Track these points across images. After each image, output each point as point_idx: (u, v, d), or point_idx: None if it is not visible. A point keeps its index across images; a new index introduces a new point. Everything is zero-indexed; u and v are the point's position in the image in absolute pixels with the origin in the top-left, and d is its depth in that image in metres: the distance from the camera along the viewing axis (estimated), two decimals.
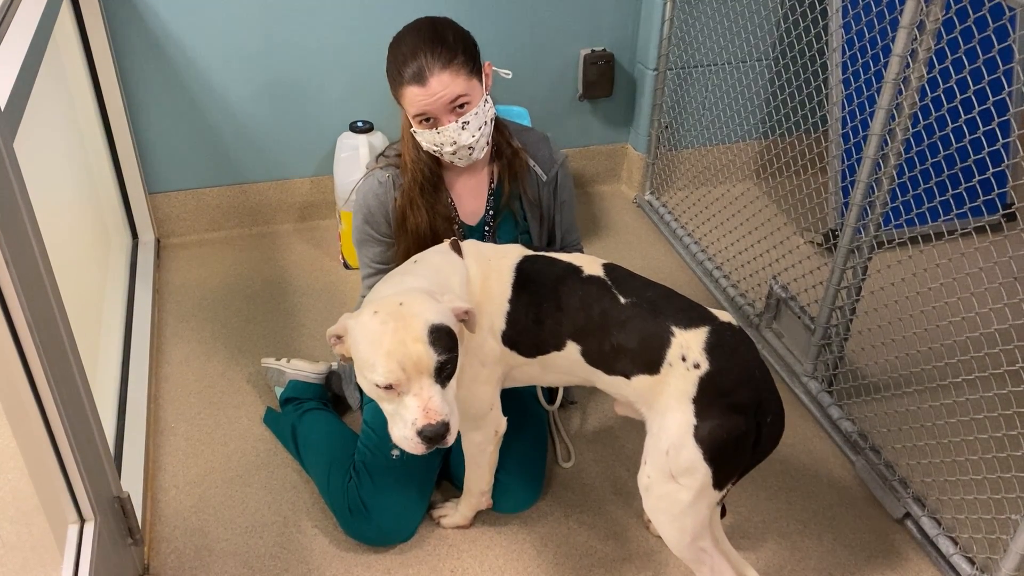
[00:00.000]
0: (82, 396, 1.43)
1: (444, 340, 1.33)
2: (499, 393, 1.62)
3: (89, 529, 1.45)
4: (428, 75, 1.62)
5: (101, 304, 2.27)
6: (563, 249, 1.95)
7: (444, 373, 1.34)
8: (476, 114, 1.68)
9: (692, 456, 1.38)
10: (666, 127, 2.95)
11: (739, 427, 1.38)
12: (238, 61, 2.55)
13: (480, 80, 1.69)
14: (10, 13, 1.61)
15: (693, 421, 1.38)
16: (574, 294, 1.50)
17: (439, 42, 1.63)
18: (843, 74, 2.50)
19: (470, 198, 1.86)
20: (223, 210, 2.80)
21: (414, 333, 1.31)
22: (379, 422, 1.69)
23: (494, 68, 1.80)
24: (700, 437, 1.37)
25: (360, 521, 1.75)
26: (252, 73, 2.58)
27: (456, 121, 1.67)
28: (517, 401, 1.86)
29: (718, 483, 1.40)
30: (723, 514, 1.62)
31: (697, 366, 1.39)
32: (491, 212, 1.85)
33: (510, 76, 1.90)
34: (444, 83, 1.62)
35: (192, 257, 2.71)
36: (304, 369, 2.08)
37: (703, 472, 1.38)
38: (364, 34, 2.59)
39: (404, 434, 1.33)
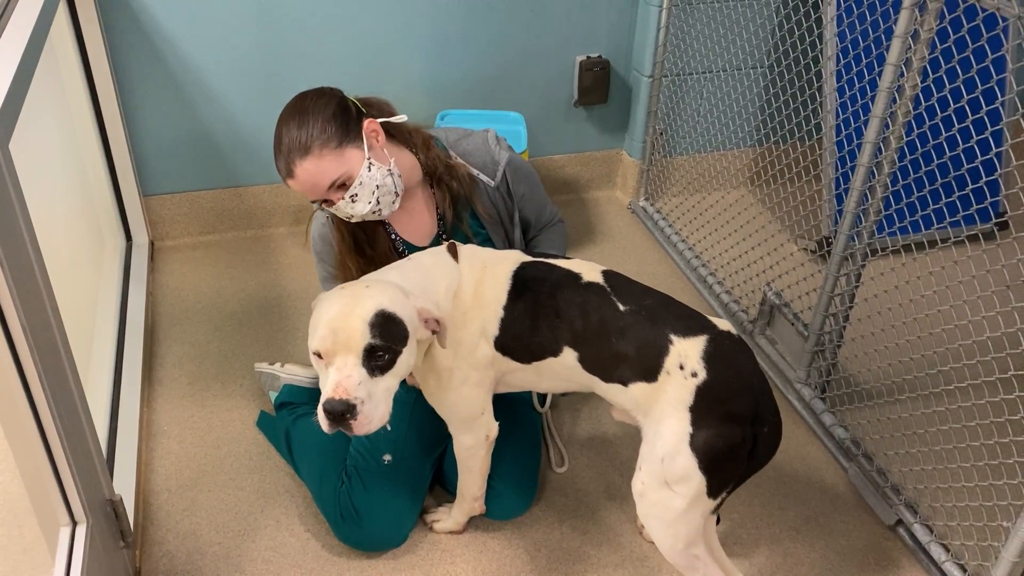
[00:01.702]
0: (75, 398, 1.42)
1: (387, 329, 1.34)
2: (491, 398, 1.62)
3: (81, 532, 1.44)
4: (294, 167, 1.59)
5: (94, 306, 2.27)
6: (542, 230, 1.94)
7: (376, 360, 1.34)
8: (361, 184, 1.62)
9: (687, 464, 1.38)
10: (661, 133, 2.96)
11: (735, 436, 1.38)
12: (233, 64, 2.55)
13: (359, 146, 1.62)
14: (6, 15, 1.61)
15: (689, 429, 1.38)
16: (572, 301, 1.49)
17: (298, 127, 1.58)
18: (838, 82, 2.51)
19: (416, 223, 1.83)
20: (217, 213, 2.79)
21: (359, 311, 1.33)
22: None
23: (382, 120, 1.68)
24: (696, 446, 1.37)
25: (352, 526, 1.74)
26: (247, 76, 2.58)
27: (344, 197, 1.64)
28: (510, 407, 1.85)
29: (712, 492, 1.40)
30: (717, 521, 1.62)
31: (695, 375, 1.39)
32: (443, 236, 1.83)
33: (406, 119, 1.73)
34: (310, 172, 1.59)
35: (186, 260, 2.71)
36: (298, 374, 2.07)
37: (697, 480, 1.38)
38: (359, 39, 2.59)
39: (319, 408, 1.34)
